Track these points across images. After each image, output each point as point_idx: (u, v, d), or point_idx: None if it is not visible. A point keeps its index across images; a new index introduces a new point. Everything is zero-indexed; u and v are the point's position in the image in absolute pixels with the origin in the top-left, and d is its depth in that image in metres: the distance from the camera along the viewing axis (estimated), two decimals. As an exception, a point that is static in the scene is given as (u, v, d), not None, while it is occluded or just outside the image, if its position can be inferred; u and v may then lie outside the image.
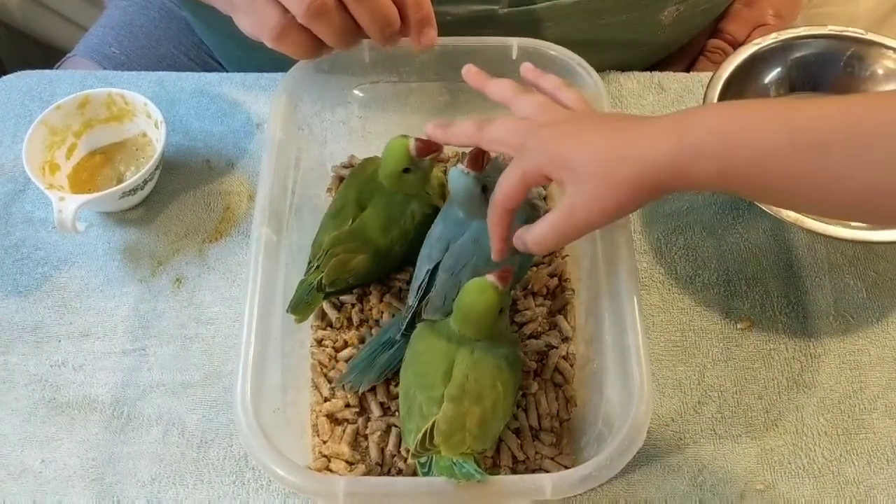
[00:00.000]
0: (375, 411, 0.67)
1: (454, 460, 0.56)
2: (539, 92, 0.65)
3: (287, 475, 0.54)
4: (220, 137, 0.85)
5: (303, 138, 0.75)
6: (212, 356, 0.72)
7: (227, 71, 0.99)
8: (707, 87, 0.77)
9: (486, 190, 0.63)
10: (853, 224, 0.72)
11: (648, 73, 0.89)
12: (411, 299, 0.66)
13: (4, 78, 0.90)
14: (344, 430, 0.67)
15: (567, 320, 0.71)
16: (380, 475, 0.64)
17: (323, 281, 0.67)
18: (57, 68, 0.97)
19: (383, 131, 0.79)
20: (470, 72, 0.67)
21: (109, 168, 0.81)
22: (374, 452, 0.65)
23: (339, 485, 0.54)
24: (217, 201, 0.81)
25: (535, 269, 0.74)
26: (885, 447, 0.68)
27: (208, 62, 1.01)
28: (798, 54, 0.81)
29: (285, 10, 0.62)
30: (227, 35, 0.83)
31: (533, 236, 0.58)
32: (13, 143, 0.84)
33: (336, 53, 0.67)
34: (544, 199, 0.78)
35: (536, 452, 0.65)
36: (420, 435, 0.57)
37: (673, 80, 0.89)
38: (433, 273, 0.66)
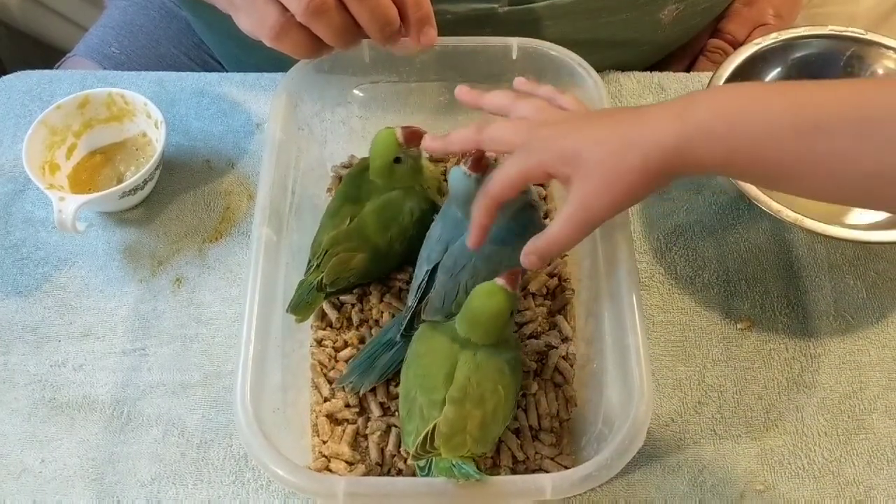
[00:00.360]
0: (375, 411, 0.67)
1: (453, 462, 0.56)
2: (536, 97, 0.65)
3: (287, 475, 0.54)
4: (220, 137, 0.85)
5: (303, 138, 0.75)
6: (212, 356, 0.72)
7: (227, 71, 0.99)
8: (707, 87, 0.77)
9: None
10: (853, 224, 0.72)
11: (648, 73, 0.89)
12: (411, 300, 0.66)
13: (4, 78, 0.90)
14: (344, 430, 0.66)
15: (567, 320, 0.71)
16: (380, 475, 0.64)
17: (323, 280, 0.67)
18: (57, 68, 0.97)
19: (383, 131, 0.79)
20: (462, 92, 0.67)
21: (109, 168, 0.81)
22: (374, 452, 0.65)
23: (338, 485, 0.54)
24: (217, 201, 0.81)
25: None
26: (885, 447, 0.68)
27: (208, 62, 1.01)
28: (798, 54, 0.81)
29: (284, 9, 0.62)
30: (227, 34, 0.83)
31: (546, 240, 0.58)
32: (13, 143, 0.84)
33: (336, 53, 0.67)
34: (544, 199, 0.78)
35: (536, 452, 0.65)
36: (420, 438, 0.57)
37: (673, 80, 0.89)
38: (432, 274, 0.66)
